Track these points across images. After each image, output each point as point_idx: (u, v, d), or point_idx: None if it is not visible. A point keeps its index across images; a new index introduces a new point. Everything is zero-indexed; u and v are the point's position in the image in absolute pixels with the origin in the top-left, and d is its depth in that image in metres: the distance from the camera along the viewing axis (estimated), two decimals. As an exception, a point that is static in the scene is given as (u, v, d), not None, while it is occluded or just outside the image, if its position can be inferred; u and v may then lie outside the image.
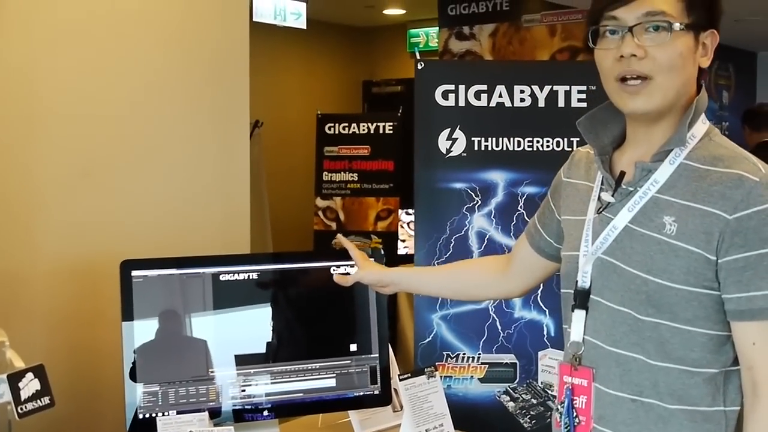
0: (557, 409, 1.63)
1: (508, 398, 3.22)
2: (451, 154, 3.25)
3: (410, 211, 5.71)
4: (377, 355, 2.24)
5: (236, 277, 2.17)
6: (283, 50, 8.03)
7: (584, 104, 3.20)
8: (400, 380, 2.16)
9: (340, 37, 8.96)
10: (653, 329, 1.48)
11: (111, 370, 2.18)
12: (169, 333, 2.13)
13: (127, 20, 2.53)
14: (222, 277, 2.16)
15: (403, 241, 6.18)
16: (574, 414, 1.58)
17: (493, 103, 3.26)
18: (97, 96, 2.46)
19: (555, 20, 6.54)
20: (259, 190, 6.13)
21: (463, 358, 3.25)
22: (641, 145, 1.56)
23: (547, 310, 3.21)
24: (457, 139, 3.25)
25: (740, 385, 1.48)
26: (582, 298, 1.57)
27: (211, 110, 2.78)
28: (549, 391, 3.16)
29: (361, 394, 2.23)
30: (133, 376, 2.08)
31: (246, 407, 2.15)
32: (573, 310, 1.59)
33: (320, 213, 6.50)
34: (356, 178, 6.36)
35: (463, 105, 3.26)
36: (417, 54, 3.49)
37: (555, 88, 3.24)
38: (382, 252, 2.28)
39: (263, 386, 2.16)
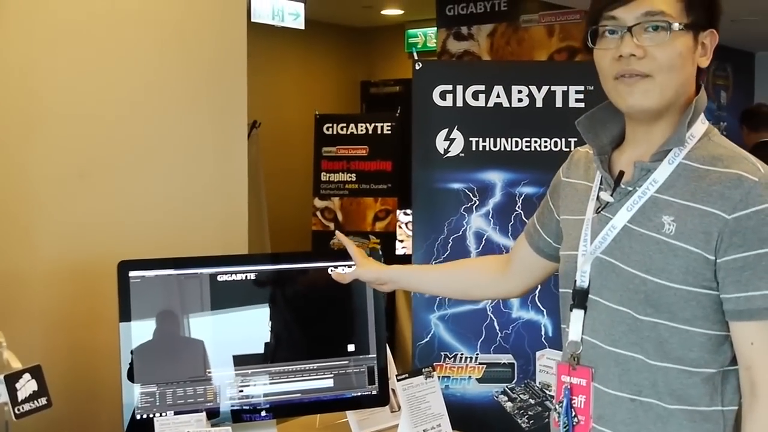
0: (555, 409, 1.63)
1: (505, 398, 3.22)
2: (448, 155, 3.25)
3: (408, 211, 5.70)
4: (375, 355, 2.24)
5: (234, 277, 2.17)
6: (281, 51, 8.02)
7: (582, 104, 3.20)
8: (398, 380, 2.16)
9: (338, 38, 8.96)
10: (652, 329, 1.47)
11: (108, 371, 2.18)
12: (166, 333, 2.12)
13: (125, 21, 2.52)
14: (220, 278, 2.16)
15: (401, 241, 6.18)
16: (573, 413, 1.58)
17: (490, 104, 3.26)
18: (95, 96, 2.46)
19: (553, 20, 6.54)
20: (257, 191, 6.13)
21: (461, 358, 3.25)
22: (640, 144, 1.56)
23: (544, 311, 3.21)
24: (454, 139, 3.25)
25: (738, 385, 1.48)
26: (580, 298, 1.57)
27: (209, 111, 2.78)
28: (547, 391, 3.16)
29: (359, 394, 2.23)
30: (131, 377, 2.07)
31: (244, 407, 2.15)
32: (571, 310, 1.59)
33: (318, 213, 6.50)
34: (354, 179, 6.36)
35: (461, 105, 3.26)
36: (415, 54, 3.49)
37: (553, 88, 3.24)
38: (380, 252, 2.28)
39: (261, 386, 2.16)
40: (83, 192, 2.43)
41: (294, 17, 6.07)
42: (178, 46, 2.67)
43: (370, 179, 6.31)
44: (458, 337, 3.25)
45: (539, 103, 3.25)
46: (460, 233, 3.25)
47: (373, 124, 6.32)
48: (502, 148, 3.26)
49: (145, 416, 2.07)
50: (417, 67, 3.32)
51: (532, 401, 3.19)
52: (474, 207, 3.25)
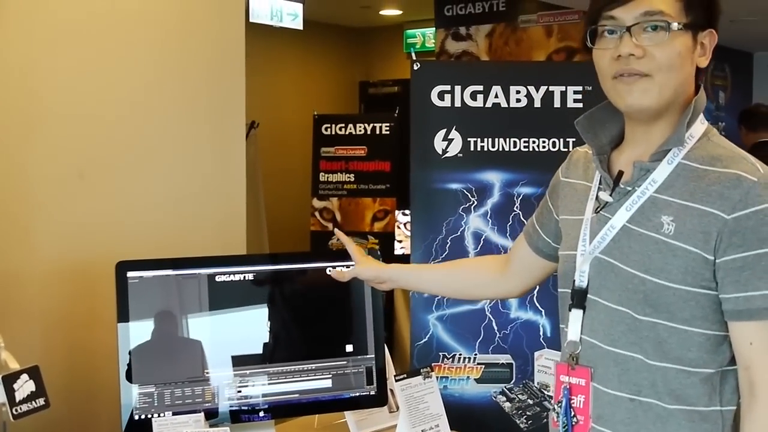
0: (554, 409, 1.63)
1: (504, 399, 3.22)
2: (447, 155, 3.25)
3: (407, 211, 5.70)
4: (373, 355, 2.24)
5: (232, 278, 2.17)
6: (280, 51, 8.02)
7: (580, 105, 3.20)
8: (396, 381, 2.16)
9: (336, 38, 8.95)
10: (651, 329, 1.47)
11: (107, 371, 2.18)
12: (164, 334, 2.12)
13: (123, 21, 2.52)
14: (218, 278, 2.16)
15: (400, 241, 6.18)
16: (572, 413, 1.58)
17: (489, 104, 3.26)
18: (94, 97, 2.46)
19: (551, 21, 6.54)
20: (256, 191, 6.13)
21: (460, 358, 3.25)
22: (639, 144, 1.56)
23: (543, 311, 3.21)
24: (453, 139, 3.25)
25: (736, 385, 1.48)
26: (579, 298, 1.57)
27: (207, 111, 2.78)
28: (545, 392, 3.16)
29: (358, 394, 2.23)
30: (129, 377, 2.07)
31: (242, 408, 2.14)
32: (570, 310, 1.59)
33: (317, 214, 6.49)
34: (353, 179, 6.35)
35: (459, 106, 3.26)
36: (413, 54, 3.49)
37: (551, 88, 3.24)
38: (379, 253, 2.28)
39: (260, 387, 2.16)
40: (81, 192, 2.43)
41: (292, 17, 6.07)
42: (177, 47, 2.67)
43: (369, 179, 6.31)
44: (456, 337, 3.25)
45: (537, 104, 3.25)
46: (459, 233, 3.25)
47: (371, 125, 6.31)
48: (501, 149, 3.25)
49: (143, 417, 2.07)
50: (415, 68, 3.32)
51: (530, 401, 3.19)
52: (472, 207, 3.25)
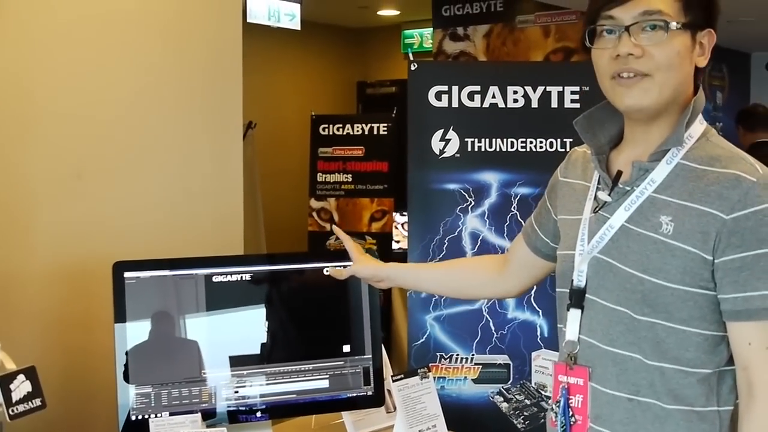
0: (552, 409, 1.63)
1: (501, 399, 3.22)
2: (444, 155, 3.25)
3: (404, 212, 5.70)
4: (370, 356, 2.24)
5: (229, 278, 2.17)
6: (277, 51, 8.01)
7: (577, 105, 3.20)
8: (394, 381, 2.16)
9: (334, 38, 8.95)
10: (649, 329, 1.47)
11: (103, 372, 2.17)
12: (162, 334, 2.12)
13: (120, 21, 2.52)
14: (215, 279, 2.15)
15: (398, 242, 6.18)
16: (570, 413, 1.58)
17: (486, 104, 3.26)
18: (90, 97, 2.45)
19: (549, 21, 6.54)
20: (253, 192, 6.12)
21: (457, 359, 3.25)
22: (638, 144, 1.56)
23: (540, 311, 3.21)
24: (450, 139, 3.25)
25: (734, 385, 1.48)
26: (577, 297, 1.57)
27: (204, 111, 2.77)
28: (543, 392, 3.15)
29: (355, 395, 2.23)
30: (126, 378, 2.07)
31: (239, 408, 2.14)
32: (568, 309, 1.59)
33: (314, 214, 6.49)
34: (350, 179, 6.34)
35: (457, 106, 3.26)
36: (410, 55, 3.49)
37: (548, 89, 3.24)
38: (377, 253, 2.28)
39: (257, 387, 2.16)
40: (78, 193, 2.42)
41: (290, 18, 6.06)
42: (174, 47, 2.67)
43: (366, 180, 6.30)
44: (454, 337, 3.25)
45: (535, 104, 3.25)
46: (456, 234, 3.25)
47: (369, 125, 6.31)
48: (498, 149, 3.25)
49: (140, 417, 2.07)
50: (413, 68, 3.32)
51: (527, 402, 3.19)
52: (470, 207, 3.25)
